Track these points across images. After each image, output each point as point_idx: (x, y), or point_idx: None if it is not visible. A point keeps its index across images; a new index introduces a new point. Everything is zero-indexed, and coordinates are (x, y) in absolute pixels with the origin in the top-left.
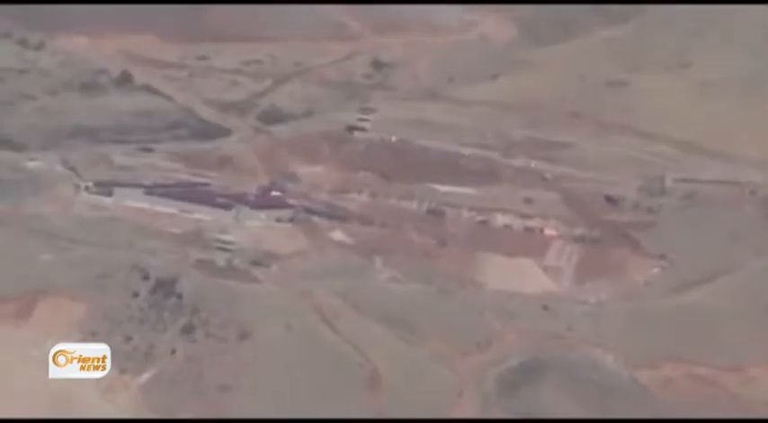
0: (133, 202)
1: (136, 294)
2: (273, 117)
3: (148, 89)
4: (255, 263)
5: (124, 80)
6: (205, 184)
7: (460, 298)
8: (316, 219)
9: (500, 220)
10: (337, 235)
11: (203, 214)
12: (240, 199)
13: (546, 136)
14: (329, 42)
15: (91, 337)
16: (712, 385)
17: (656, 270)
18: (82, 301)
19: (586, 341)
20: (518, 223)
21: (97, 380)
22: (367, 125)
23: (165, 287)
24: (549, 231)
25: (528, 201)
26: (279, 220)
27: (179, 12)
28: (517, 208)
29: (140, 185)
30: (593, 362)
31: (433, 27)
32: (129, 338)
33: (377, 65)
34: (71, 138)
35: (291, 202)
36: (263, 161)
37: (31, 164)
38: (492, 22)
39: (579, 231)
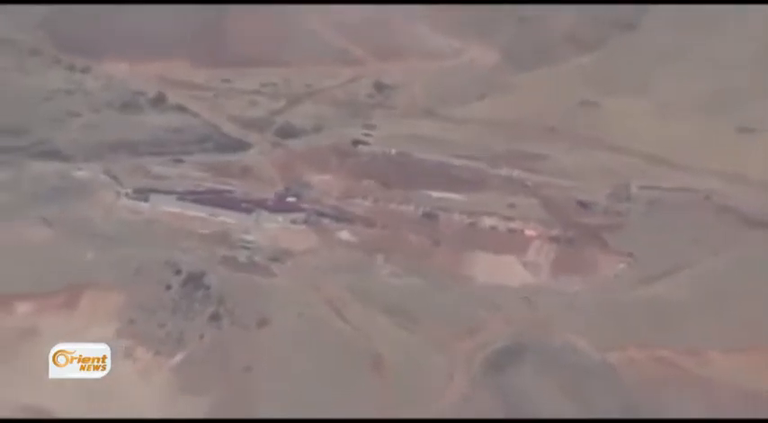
0: (167, 206)
1: (169, 287)
2: (288, 132)
3: (180, 108)
4: (273, 259)
5: (159, 100)
6: (229, 191)
7: (453, 291)
8: (325, 221)
9: (487, 222)
10: (344, 235)
11: (228, 217)
12: (260, 204)
13: (527, 149)
14: (336, 67)
15: (129, 324)
16: (673, 366)
17: (623, 266)
18: (121, 292)
19: (562, 327)
20: (502, 225)
21: (134, 361)
22: (370, 140)
23: (195, 280)
24: (529, 232)
25: (511, 205)
26: (293, 222)
27: (206, 40)
28: (502, 212)
29: (173, 192)
30: (568, 345)
31: (428, 54)
32: (162, 325)
33: (379, 87)
34: (113, 150)
35: (304, 206)
36: (280, 171)
37: (77, 173)
38: (478, 49)
39: (556, 232)
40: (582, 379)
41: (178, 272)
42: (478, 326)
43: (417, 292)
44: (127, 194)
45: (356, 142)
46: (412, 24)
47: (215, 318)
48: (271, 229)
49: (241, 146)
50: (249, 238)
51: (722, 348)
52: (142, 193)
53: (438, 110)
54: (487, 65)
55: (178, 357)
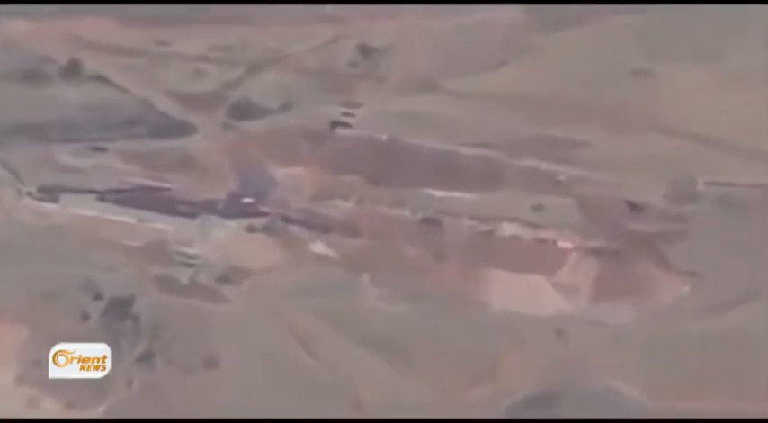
0: (83, 209)
1: (86, 317)
2: (245, 111)
3: (100, 79)
4: (223, 279)
5: (72, 69)
6: (166, 190)
7: (461, 321)
8: (293, 228)
9: (506, 230)
10: (318, 247)
11: (164, 224)
12: (206, 206)
13: (558, 134)
14: (310, 25)
15: (33, 366)
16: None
17: (685, 289)
18: (24, 323)
19: (605, 370)
20: (527, 234)
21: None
22: (352, 120)
23: (120, 308)
24: (562, 243)
25: (538, 208)
26: (251, 229)
27: None
28: (525, 216)
29: (91, 191)
30: (612, 393)
31: (428, 9)
32: None
33: (364, 51)
34: (11, 136)
35: (266, 209)
36: (234, 162)
37: None
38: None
39: (597, 243)
40: None
41: (98, 296)
42: (495, 368)
43: (414, 322)
44: (30, 193)
45: (335, 124)
46: None
47: (146, 357)
48: (220, 240)
49: (182, 129)
50: (192, 251)
51: None
52: (51, 192)
53: (441, 82)
54: (506, 23)
55: (99, 410)
